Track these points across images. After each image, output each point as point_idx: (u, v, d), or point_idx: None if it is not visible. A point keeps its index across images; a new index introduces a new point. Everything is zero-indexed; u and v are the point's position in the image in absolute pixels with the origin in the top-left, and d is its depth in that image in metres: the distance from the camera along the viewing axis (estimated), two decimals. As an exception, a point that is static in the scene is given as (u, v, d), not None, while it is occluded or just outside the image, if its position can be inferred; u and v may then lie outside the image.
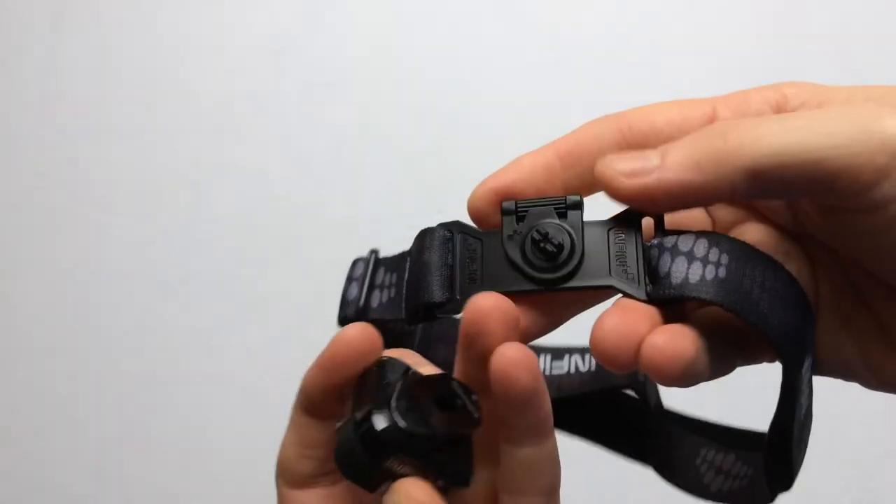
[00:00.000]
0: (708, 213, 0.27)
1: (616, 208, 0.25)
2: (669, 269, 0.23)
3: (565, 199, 0.25)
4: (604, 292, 0.25)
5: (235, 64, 0.76)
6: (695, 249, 0.23)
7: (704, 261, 0.23)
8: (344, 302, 0.31)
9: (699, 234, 0.23)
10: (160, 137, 0.76)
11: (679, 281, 0.23)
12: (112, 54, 0.77)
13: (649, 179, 0.22)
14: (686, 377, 0.22)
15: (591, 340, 0.22)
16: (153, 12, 0.77)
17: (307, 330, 0.74)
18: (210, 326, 0.75)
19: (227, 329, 0.75)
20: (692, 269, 0.23)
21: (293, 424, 0.27)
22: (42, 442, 0.77)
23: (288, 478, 0.27)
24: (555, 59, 0.72)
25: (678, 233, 0.24)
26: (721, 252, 0.23)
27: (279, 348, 0.74)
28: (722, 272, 0.22)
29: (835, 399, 0.66)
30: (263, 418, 0.74)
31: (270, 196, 0.75)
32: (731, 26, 0.70)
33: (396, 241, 0.78)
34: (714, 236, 0.23)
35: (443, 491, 0.23)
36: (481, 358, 0.22)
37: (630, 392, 0.34)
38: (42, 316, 0.78)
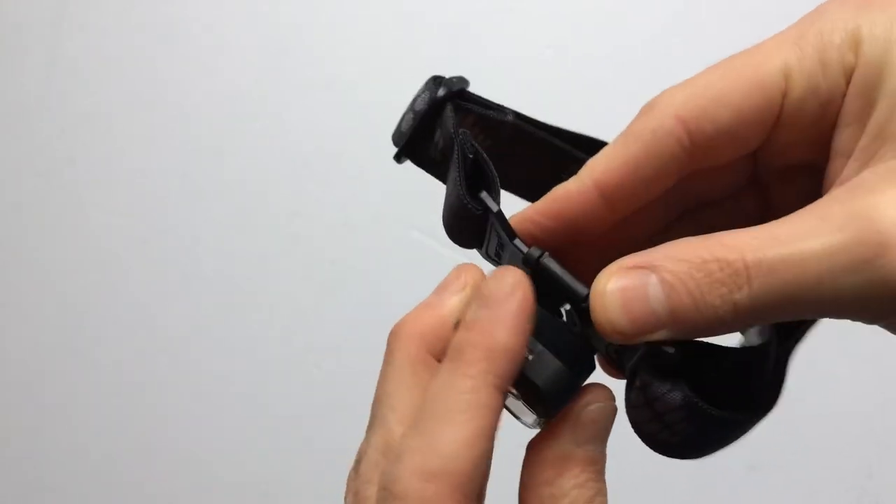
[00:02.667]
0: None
1: None
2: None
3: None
4: None
5: (235, 64, 0.76)
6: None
7: None
8: (397, 128, 0.31)
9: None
10: (160, 137, 0.76)
11: None
12: (112, 54, 0.77)
13: (656, 336, 0.21)
14: None
15: None
16: (153, 12, 0.77)
17: (307, 330, 0.74)
18: (210, 326, 0.75)
19: (228, 329, 0.75)
20: None
21: (477, 413, 0.21)
22: (42, 442, 0.78)
23: (469, 491, 0.21)
24: (555, 58, 0.72)
25: None
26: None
27: (279, 348, 0.74)
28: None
29: (835, 399, 0.66)
30: (263, 418, 0.74)
31: (270, 196, 0.75)
32: (734, 26, 0.70)
33: (396, 241, 0.79)
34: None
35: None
36: None
37: None
38: (42, 315, 0.78)
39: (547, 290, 0.24)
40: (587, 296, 0.22)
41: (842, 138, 0.22)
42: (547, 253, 0.24)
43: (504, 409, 0.23)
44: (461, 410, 0.21)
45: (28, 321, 0.78)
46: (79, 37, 0.77)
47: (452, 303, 0.25)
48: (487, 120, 0.30)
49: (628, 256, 0.22)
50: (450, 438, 0.21)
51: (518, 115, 0.30)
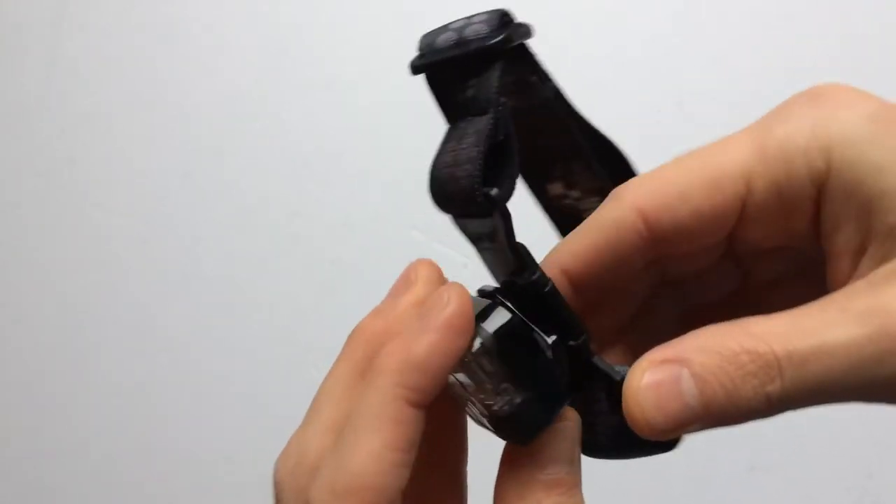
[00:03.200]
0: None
1: None
2: None
3: None
4: None
5: (235, 64, 0.76)
6: None
7: None
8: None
9: None
10: (160, 137, 0.76)
11: None
12: (112, 54, 0.77)
13: (692, 428, 0.21)
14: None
15: None
16: (153, 12, 0.77)
17: (307, 330, 0.74)
18: (210, 326, 0.75)
19: (228, 329, 0.75)
20: None
21: (384, 425, 0.22)
22: (41, 441, 0.78)
23: (378, 500, 0.21)
24: (555, 58, 0.72)
25: None
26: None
27: (279, 348, 0.74)
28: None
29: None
30: (263, 418, 0.74)
31: (270, 196, 0.75)
32: (733, 26, 0.70)
33: (396, 241, 0.79)
34: None
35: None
36: None
37: None
38: (42, 315, 0.78)
39: (533, 315, 0.24)
40: (621, 380, 0.22)
41: (841, 239, 0.22)
42: (552, 284, 0.24)
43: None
44: (368, 425, 0.22)
45: (28, 321, 0.78)
46: (79, 37, 0.77)
47: (399, 310, 0.25)
48: (528, 86, 0.28)
49: (658, 349, 0.22)
50: (357, 455, 0.21)
51: (557, 93, 0.29)
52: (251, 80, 0.75)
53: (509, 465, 0.23)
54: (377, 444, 0.21)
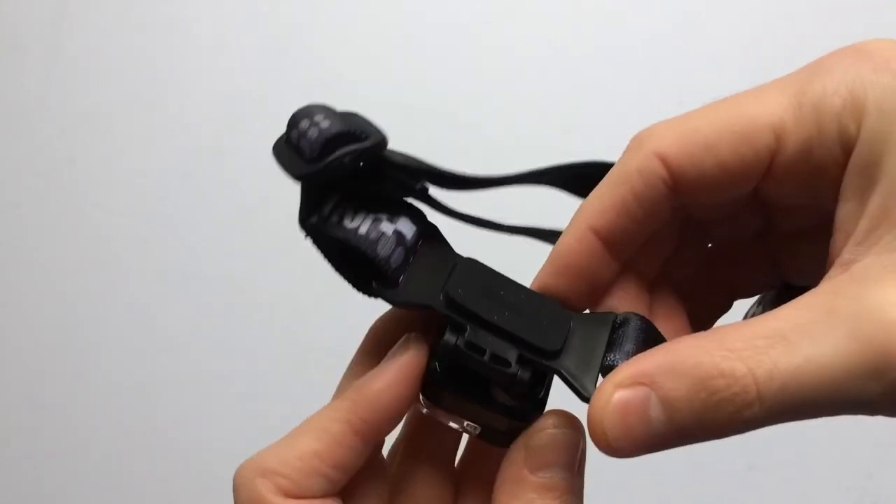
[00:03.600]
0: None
1: None
2: None
3: None
4: None
5: (236, 64, 0.76)
6: None
7: None
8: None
9: None
10: (160, 137, 0.76)
11: None
12: (112, 54, 0.77)
13: (657, 449, 0.21)
14: None
15: None
16: (153, 12, 0.77)
17: (307, 330, 0.74)
18: (210, 326, 0.75)
19: (228, 329, 0.75)
20: None
21: (324, 437, 0.24)
22: (41, 441, 0.78)
23: (284, 486, 0.23)
24: (555, 58, 0.72)
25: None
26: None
27: (279, 348, 0.74)
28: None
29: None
30: (263, 418, 0.74)
31: (270, 196, 0.75)
32: (734, 25, 0.70)
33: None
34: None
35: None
36: None
37: None
38: (42, 315, 0.78)
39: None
40: (588, 398, 0.22)
41: (843, 213, 0.21)
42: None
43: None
44: (312, 431, 0.24)
45: (28, 321, 0.78)
46: (79, 37, 0.77)
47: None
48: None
49: (627, 364, 0.21)
50: (292, 448, 0.24)
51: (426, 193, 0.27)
52: (251, 80, 0.75)
53: (508, 464, 0.24)
54: (308, 447, 0.23)
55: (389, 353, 0.25)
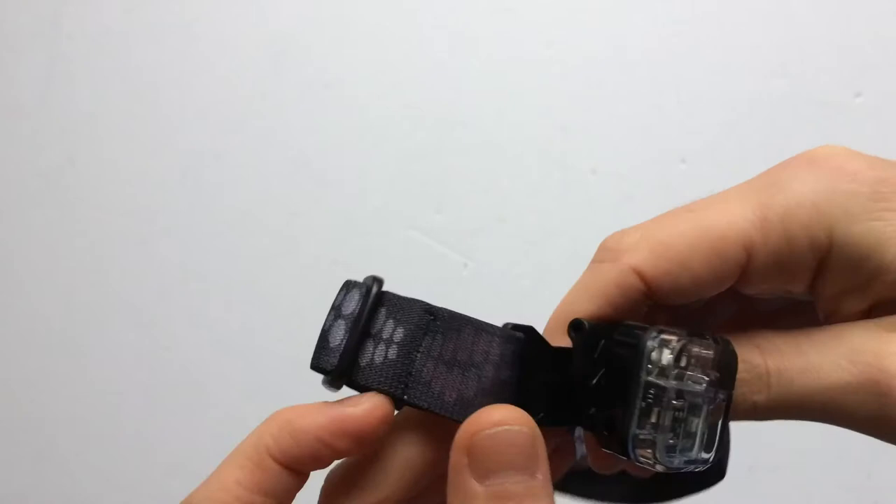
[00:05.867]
0: None
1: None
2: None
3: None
4: None
5: (235, 64, 0.76)
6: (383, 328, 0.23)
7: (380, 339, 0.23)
8: (323, 344, 0.25)
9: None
10: (160, 137, 0.76)
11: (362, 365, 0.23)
12: (112, 54, 0.77)
13: None
14: None
15: None
16: (153, 12, 0.77)
17: (307, 330, 0.74)
18: (210, 326, 0.75)
19: (228, 329, 0.75)
20: (375, 352, 0.23)
21: (246, 464, 0.24)
22: (42, 440, 0.78)
23: None
24: (555, 57, 0.72)
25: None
26: (396, 325, 0.23)
27: (279, 348, 0.74)
28: (392, 352, 0.23)
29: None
30: (263, 417, 0.74)
31: (270, 196, 0.75)
32: (734, 25, 0.70)
33: (396, 242, 0.79)
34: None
35: None
36: None
37: None
38: (41, 315, 0.78)
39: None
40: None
41: (848, 304, 0.24)
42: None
43: None
44: (234, 460, 0.24)
45: (28, 321, 0.78)
46: (79, 37, 0.77)
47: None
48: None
49: None
50: (213, 479, 0.24)
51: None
52: (251, 81, 0.75)
53: (453, 471, 0.21)
54: (231, 477, 0.24)
55: (342, 400, 0.24)
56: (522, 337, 0.24)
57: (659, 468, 0.22)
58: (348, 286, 0.26)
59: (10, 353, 0.78)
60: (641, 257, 0.23)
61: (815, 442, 0.68)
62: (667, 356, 0.22)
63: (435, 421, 0.23)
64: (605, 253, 0.25)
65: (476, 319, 0.24)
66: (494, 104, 0.72)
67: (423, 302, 0.24)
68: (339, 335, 0.24)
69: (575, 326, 0.24)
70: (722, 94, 0.69)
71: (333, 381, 0.24)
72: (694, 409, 0.22)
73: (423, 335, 0.23)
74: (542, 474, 0.21)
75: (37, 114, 0.78)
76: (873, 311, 0.23)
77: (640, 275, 0.23)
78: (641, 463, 0.22)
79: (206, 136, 0.76)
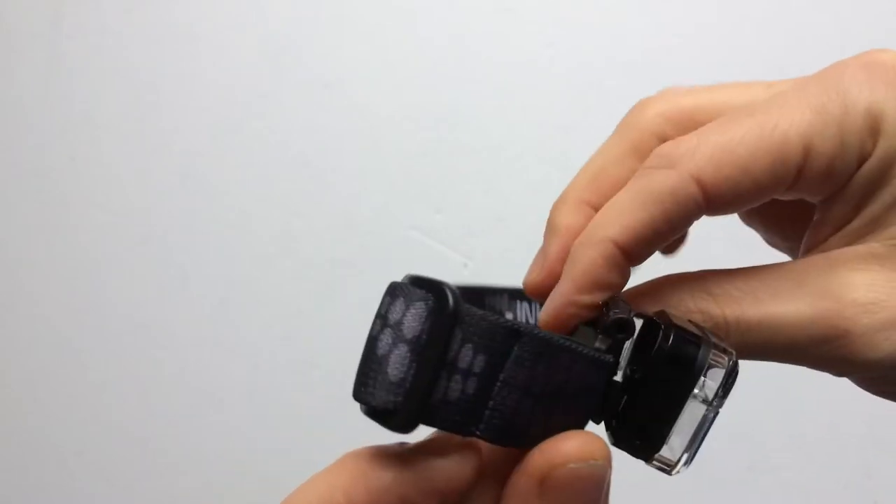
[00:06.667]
0: None
1: None
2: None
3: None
4: None
5: (235, 64, 0.76)
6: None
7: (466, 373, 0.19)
8: (378, 373, 0.19)
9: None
10: (160, 137, 0.76)
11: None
12: (112, 54, 0.77)
13: None
14: None
15: None
16: (153, 12, 0.77)
17: (307, 330, 0.74)
18: (210, 326, 0.75)
19: (228, 329, 0.75)
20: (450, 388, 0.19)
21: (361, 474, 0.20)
22: (41, 441, 0.77)
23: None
24: (555, 57, 0.72)
25: None
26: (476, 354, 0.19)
27: (279, 348, 0.74)
28: (471, 386, 0.19)
29: (835, 398, 0.66)
30: (262, 418, 0.74)
31: (270, 196, 0.75)
32: (734, 24, 0.70)
33: (396, 241, 0.79)
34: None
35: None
36: None
37: None
38: (41, 316, 0.78)
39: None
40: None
41: (836, 212, 0.23)
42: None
43: None
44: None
45: (27, 321, 0.78)
46: (79, 37, 0.77)
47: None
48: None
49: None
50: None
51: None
52: (251, 81, 0.75)
53: (517, 496, 0.20)
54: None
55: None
56: (612, 361, 0.22)
57: (673, 473, 0.22)
58: (405, 294, 0.20)
59: (10, 352, 0.78)
60: (701, 164, 0.22)
61: (815, 442, 0.68)
62: (715, 381, 0.21)
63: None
64: (660, 160, 0.23)
65: (572, 345, 0.21)
66: (494, 104, 0.72)
67: (505, 320, 0.20)
68: (401, 364, 0.19)
69: (621, 325, 0.21)
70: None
71: (396, 426, 0.19)
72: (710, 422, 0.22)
73: (504, 361, 0.19)
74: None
75: (37, 113, 0.78)
76: (852, 221, 0.23)
77: (700, 182, 0.22)
78: (655, 467, 0.22)
79: (207, 135, 0.76)
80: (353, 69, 0.74)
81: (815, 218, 0.24)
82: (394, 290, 0.21)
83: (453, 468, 0.20)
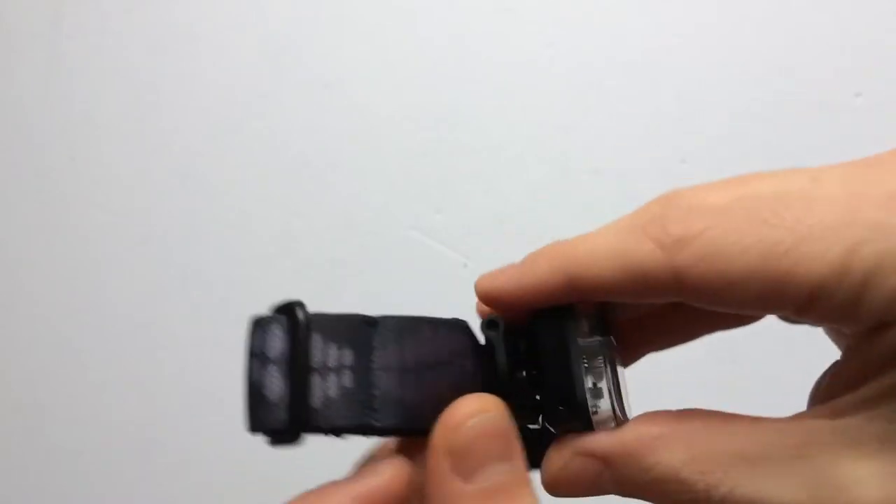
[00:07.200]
0: None
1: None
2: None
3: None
4: None
5: (235, 64, 0.76)
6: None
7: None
8: (258, 399, 0.21)
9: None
10: (160, 137, 0.76)
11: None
12: (112, 54, 0.77)
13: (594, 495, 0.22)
14: None
15: None
16: (153, 12, 0.77)
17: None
18: (210, 326, 0.75)
19: (228, 329, 0.75)
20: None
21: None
22: (41, 441, 0.78)
23: None
24: (555, 57, 0.72)
25: None
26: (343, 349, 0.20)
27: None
28: (346, 379, 0.20)
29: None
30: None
31: (270, 196, 0.75)
32: (734, 24, 0.70)
33: (396, 241, 0.78)
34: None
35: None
36: None
37: None
38: (41, 316, 0.78)
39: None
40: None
41: (856, 358, 0.20)
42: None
43: None
44: None
45: (28, 321, 0.78)
46: (79, 37, 0.77)
47: None
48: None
49: (587, 439, 0.21)
50: None
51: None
52: (251, 80, 0.75)
53: (434, 479, 0.20)
54: None
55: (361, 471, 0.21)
56: (468, 323, 0.23)
57: (618, 418, 0.21)
58: (261, 323, 0.22)
59: (10, 352, 0.78)
60: (691, 262, 0.20)
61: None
62: (586, 323, 0.22)
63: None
64: (660, 227, 0.20)
65: (428, 316, 0.22)
66: (494, 104, 0.72)
67: (358, 314, 0.21)
68: (276, 384, 0.21)
69: (489, 324, 0.22)
70: (722, 94, 0.69)
71: (289, 439, 0.21)
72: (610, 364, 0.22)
73: (372, 349, 0.21)
74: (519, 457, 0.20)
75: (37, 113, 0.78)
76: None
77: (678, 278, 0.20)
78: (600, 422, 0.21)
79: (207, 135, 0.76)
80: (353, 69, 0.74)
81: (844, 350, 0.21)
82: (255, 325, 0.22)
83: (388, 482, 0.20)
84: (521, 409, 0.22)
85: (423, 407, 0.20)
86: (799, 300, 0.19)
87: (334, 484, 0.21)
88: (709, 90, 0.69)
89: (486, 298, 0.22)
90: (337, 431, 0.21)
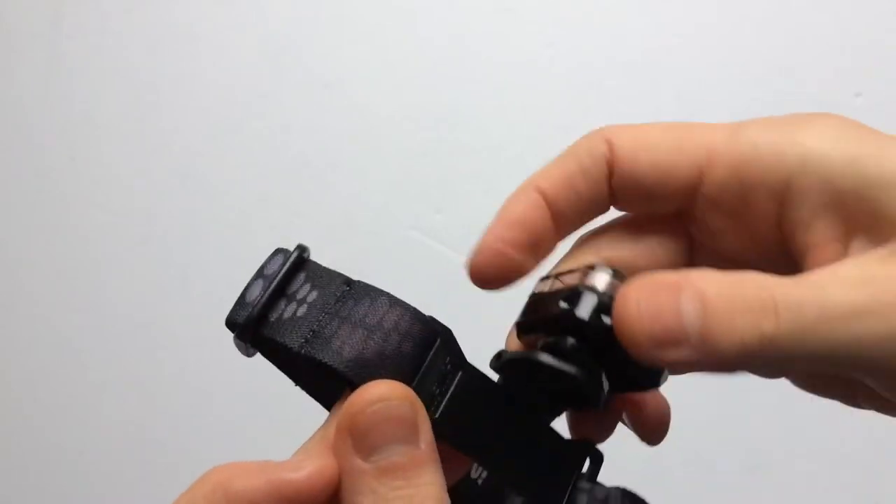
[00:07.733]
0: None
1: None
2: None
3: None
4: None
5: (235, 64, 0.76)
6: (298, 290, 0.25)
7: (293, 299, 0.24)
8: (240, 301, 0.26)
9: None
10: (160, 137, 0.76)
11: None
12: (112, 54, 0.77)
13: (677, 354, 0.21)
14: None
15: None
16: (153, 12, 0.77)
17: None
18: (210, 327, 0.75)
19: (227, 329, 0.75)
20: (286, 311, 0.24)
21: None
22: (41, 441, 0.78)
23: None
24: (555, 57, 0.72)
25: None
26: (311, 289, 0.24)
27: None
28: (302, 310, 0.24)
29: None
30: (263, 418, 0.74)
31: (270, 196, 0.75)
32: (734, 25, 0.70)
33: (396, 241, 0.79)
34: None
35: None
36: None
37: None
38: (41, 316, 0.78)
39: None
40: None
41: (820, 229, 0.23)
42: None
43: None
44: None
45: (27, 321, 0.78)
46: (79, 37, 0.77)
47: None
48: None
49: (658, 273, 0.21)
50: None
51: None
52: (251, 80, 0.75)
53: (339, 456, 0.22)
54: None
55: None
56: (433, 319, 0.24)
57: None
58: (276, 252, 0.27)
59: (10, 352, 0.78)
60: (615, 131, 0.26)
61: (815, 442, 0.68)
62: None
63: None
64: (590, 132, 0.27)
65: (394, 296, 0.25)
66: (495, 104, 0.72)
67: (343, 274, 0.25)
68: (255, 292, 0.25)
69: (496, 356, 0.25)
70: (722, 94, 0.69)
71: (241, 334, 0.25)
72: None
73: (335, 300, 0.24)
74: (426, 443, 0.21)
75: (37, 113, 0.78)
76: (857, 232, 0.22)
77: (610, 144, 0.25)
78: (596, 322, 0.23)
79: (206, 135, 0.76)
80: (353, 69, 0.74)
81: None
82: (274, 252, 0.27)
83: (302, 478, 0.21)
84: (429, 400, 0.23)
85: (345, 353, 0.23)
86: (697, 153, 0.25)
87: (265, 464, 0.22)
88: (709, 90, 0.69)
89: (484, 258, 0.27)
90: (276, 348, 0.24)
